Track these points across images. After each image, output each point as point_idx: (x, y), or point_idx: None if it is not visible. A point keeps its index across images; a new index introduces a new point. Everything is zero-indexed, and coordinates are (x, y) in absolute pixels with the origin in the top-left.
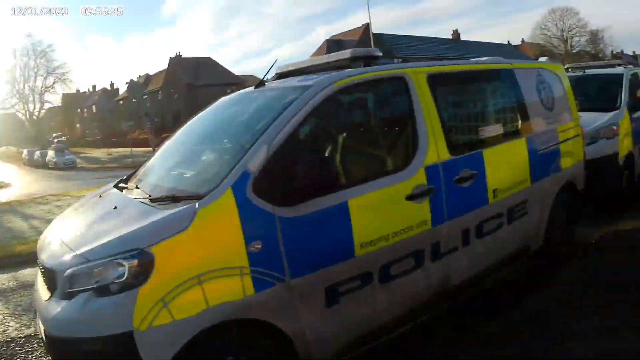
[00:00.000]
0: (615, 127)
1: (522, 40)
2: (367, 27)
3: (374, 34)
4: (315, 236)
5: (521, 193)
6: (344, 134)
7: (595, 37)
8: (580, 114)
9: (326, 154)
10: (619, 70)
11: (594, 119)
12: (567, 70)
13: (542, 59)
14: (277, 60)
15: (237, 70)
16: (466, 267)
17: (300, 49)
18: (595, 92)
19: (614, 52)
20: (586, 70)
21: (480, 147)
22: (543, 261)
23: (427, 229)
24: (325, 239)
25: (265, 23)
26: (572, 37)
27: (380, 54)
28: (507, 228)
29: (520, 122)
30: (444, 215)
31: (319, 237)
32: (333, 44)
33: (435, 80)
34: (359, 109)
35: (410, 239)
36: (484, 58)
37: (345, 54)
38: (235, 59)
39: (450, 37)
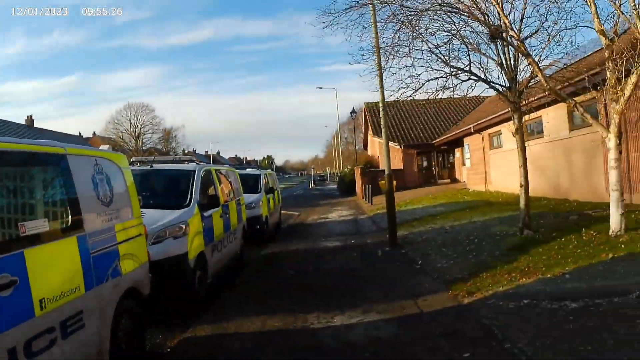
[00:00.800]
0: (183, 226)
1: (94, 133)
2: None
3: None
4: None
5: (75, 303)
6: None
7: (168, 135)
8: (147, 211)
9: None
10: (190, 166)
11: (161, 217)
12: (133, 164)
13: (104, 147)
14: None
15: None
16: None
17: None
18: (164, 189)
19: (186, 151)
20: (154, 165)
21: (21, 247)
22: None
23: None
24: None
25: None
26: (144, 134)
27: None
28: (62, 345)
29: (71, 217)
30: None
31: None
32: None
33: None
34: None
35: None
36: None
37: None
38: None
39: (25, 122)
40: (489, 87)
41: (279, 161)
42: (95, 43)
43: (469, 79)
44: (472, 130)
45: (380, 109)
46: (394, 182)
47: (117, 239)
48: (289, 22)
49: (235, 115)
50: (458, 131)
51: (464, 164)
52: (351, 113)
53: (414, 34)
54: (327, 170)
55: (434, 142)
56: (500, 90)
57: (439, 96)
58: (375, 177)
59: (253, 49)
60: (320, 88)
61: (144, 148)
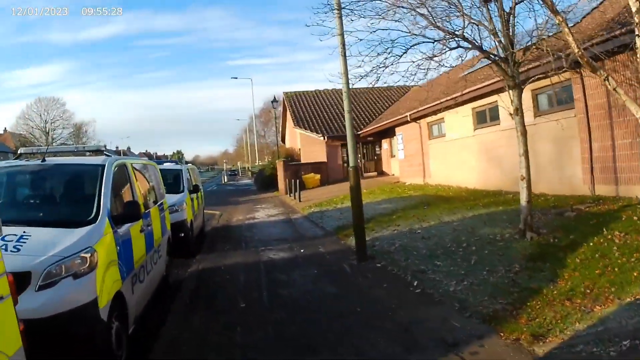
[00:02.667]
0: (88, 255)
1: (5, 130)
2: None
3: None
4: None
5: None
6: None
7: (78, 130)
8: (31, 230)
9: None
10: (98, 159)
11: (52, 241)
12: (20, 157)
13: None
14: None
15: None
16: None
17: None
18: (59, 194)
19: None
20: (47, 158)
21: None
22: None
23: None
24: None
25: None
26: (54, 129)
27: None
28: None
29: None
30: None
31: None
32: None
33: None
34: None
35: None
36: None
37: None
38: None
39: None
40: (484, 57)
41: (188, 156)
42: (7, 38)
43: (458, 46)
44: (408, 119)
45: (343, 85)
46: (317, 177)
47: None
48: (198, 16)
49: (145, 111)
50: (391, 120)
51: (393, 156)
52: (272, 102)
53: None
54: (239, 164)
55: (359, 132)
56: (497, 60)
57: (427, 67)
58: (299, 171)
59: (163, 44)
60: (235, 78)
61: (54, 144)
